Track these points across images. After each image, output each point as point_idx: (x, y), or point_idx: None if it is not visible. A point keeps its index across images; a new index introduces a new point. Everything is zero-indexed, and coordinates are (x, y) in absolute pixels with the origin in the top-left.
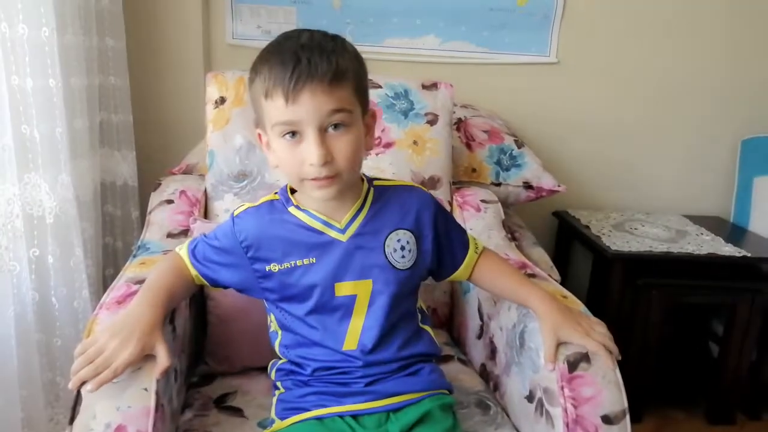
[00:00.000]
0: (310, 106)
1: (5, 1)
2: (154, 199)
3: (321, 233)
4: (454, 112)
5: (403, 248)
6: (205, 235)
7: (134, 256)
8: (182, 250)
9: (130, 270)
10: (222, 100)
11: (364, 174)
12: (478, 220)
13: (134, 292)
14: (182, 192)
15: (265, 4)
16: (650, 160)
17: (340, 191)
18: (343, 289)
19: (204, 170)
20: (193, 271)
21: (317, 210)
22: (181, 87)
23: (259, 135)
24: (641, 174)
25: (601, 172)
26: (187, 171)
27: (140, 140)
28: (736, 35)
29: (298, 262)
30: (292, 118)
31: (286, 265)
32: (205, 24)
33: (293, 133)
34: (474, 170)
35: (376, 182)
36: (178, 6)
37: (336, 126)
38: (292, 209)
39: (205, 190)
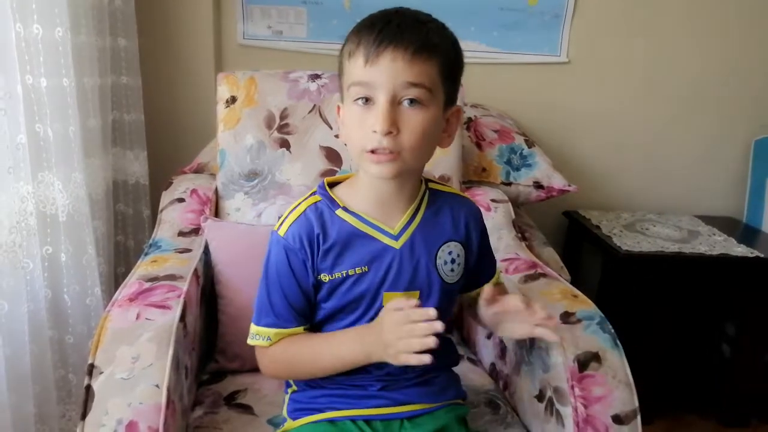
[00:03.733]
0: (387, 71)
1: (20, 1)
2: (166, 197)
3: (374, 239)
4: (465, 112)
5: (453, 261)
6: (268, 297)
7: (146, 254)
8: (264, 341)
9: (142, 268)
10: (233, 100)
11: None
12: (489, 219)
13: (146, 290)
14: (193, 191)
15: (276, 5)
16: (662, 160)
17: (398, 173)
18: (392, 299)
19: (215, 169)
20: (298, 329)
21: (368, 213)
22: (193, 86)
23: (338, 108)
24: (653, 174)
25: (612, 172)
26: (198, 170)
27: (152, 139)
28: (750, 34)
29: (350, 272)
30: (368, 80)
31: (336, 275)
32: (216, 24)
33: (366, 99)
34: (484, 170)
35: (431, 185)
36: (190, 6)
37: (411, 102)
38: (340, 212)
39: (216, 189)
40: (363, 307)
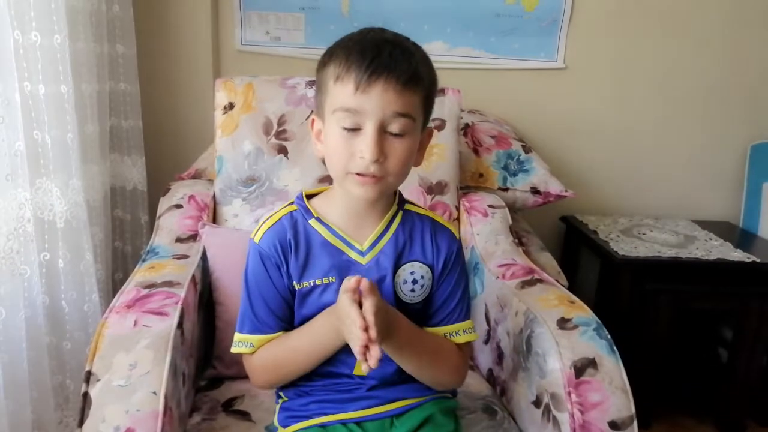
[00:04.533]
0: (378, 100)
1: (18, 8)
2: (164, 203)
3: (342, 252)
4: (462, 118)
5: (414, 282)
6: (250, 304)
7: (143, 261)
8: (247, 348)
9: (140, 274)
10: (231, 106)
11: (400, 192)
12: (486, 225)
13: (143, 297)
14: (191, 197)
15: (274, 11)
16: (658, 165)
17: (380, 194)
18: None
19: (213, 175)
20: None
21: (340, 226)
22: (191, 93)
23: (312, 122)
24: (649, 179)
25: (609, 177)
26: (196, 176)
27: (150, 146)
28: (746, 40)
29: (317, 281)
30: (357, 107)
31: (305, 284)
32: (214, 30)
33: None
34: (481, 175)
35: (407, 206)
36: (188, 13)
37: (397, 130)
38: (313, 222)
39: (214, 195)
40: None
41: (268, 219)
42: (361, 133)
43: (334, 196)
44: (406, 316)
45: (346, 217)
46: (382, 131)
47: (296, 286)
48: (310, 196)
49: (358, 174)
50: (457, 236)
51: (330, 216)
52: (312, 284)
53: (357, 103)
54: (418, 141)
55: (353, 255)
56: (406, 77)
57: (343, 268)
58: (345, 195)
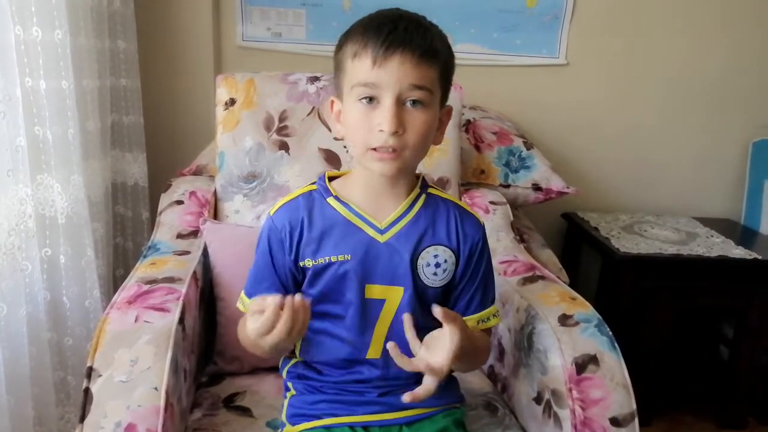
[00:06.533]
0: (395, 73)
1: (19, 4)
2: (165, 199)
3: (359, 230)
4: (463, 114)
5: (437, 265)
6: (253, 270)
7: (144, 257)
8: (241, 306)
9: (141, 270)
10: (232, 102)
11: (423, 176)
12: (487, 221)
13: (145, 293)
14: (192, 193)
15: (275, 6)
16: (660, 162)
17: (399, 170)
18: (373, 291)
19: (214, 171)
20: None
21: (359, 205)
22: (192, 89)
23: (332, 103)
24: (651, 176)
25: (610, 173)
26: (197, 172)
27: (151, 142)
28: (748, 37)
29: (333, 258)
30: (375, 81)
31: (320, 260)
32: (215, 26)
33: (370, 99)
34: (482, 172)
35: (431, 189)
36: (189, 8)
37: (414, 102)
38: (331, 200)
39: (215, 191)
40: (347, 297)
41: (287, 197)
42: (379, 106)
43: (354, 177)
44: (426, 298)
45: (366, 197)
46: (400, 104)
47: (309, 263)
48: (332, 179)
49: (377, 150)
50: (482, 222)
51: (350, 195)
52: (327, 261)
53: (374, 77)
54: (437, 116)
55: (371, 232)
56: (421, 50)
57: (360, 245)
58: (365, 174)
